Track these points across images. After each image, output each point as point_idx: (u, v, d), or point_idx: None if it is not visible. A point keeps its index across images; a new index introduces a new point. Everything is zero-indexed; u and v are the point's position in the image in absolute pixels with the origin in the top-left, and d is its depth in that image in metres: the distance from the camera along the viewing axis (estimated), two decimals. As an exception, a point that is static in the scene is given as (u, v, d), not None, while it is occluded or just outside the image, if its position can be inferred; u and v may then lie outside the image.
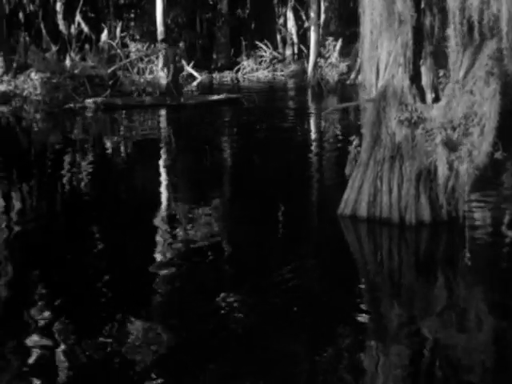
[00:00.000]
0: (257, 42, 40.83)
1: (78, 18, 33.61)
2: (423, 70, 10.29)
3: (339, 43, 32.51)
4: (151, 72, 30.76)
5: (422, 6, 10.00)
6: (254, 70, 37.72)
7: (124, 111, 24.65)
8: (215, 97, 26.75)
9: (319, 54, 31.61)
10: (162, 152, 17.82)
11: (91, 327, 7.20)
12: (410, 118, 9.97)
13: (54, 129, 22.24)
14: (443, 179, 9.89)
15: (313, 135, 20.46)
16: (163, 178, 14.82)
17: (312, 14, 32.24)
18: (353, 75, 31.85)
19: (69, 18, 34.39)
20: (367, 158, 10.42)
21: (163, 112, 24.88)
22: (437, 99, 10.29)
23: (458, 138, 9.76)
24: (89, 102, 24.61)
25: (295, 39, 43.57)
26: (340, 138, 19.49)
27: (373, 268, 9.51)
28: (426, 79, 10.30)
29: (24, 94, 26.17)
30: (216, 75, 36.64)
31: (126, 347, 6.71)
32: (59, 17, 34.07)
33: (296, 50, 43.54)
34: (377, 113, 10.29)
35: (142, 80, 28.28)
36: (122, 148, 18.71)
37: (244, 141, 19.68)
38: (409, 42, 9.99)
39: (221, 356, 6.64)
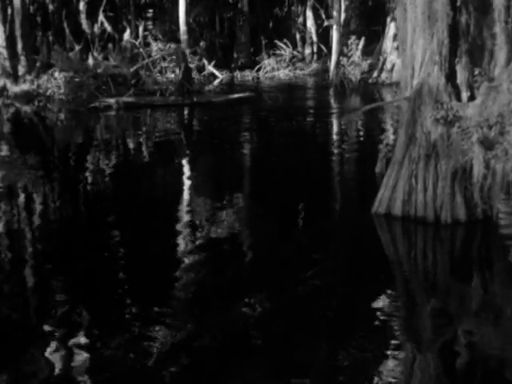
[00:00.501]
0: (276, 41, 40.82)
1: (101, 17, 33.69)
2: (458, 68, 10.25)
3: (362, 42, 32.46)
4: (173, 71, 30.82)
5: (458, 4, 9.95)
6: (275, 69, 37.66)
7: (147, 110, 24.61)
8: (232, 96, 26.60)
9: (341, 53, 31.53)
10: (181, 150, 17.80)
11: (113, 321, 7.28)
12: (445, 116, 9.93)
13: (78, 127, 22.29)
14: (479, 178, 9.84)
15: (338, 134, 20.33)
16: (183, 175, 14.81)
17: (334, 13, 32.17)
18: (375, 74, 31.81)
19: (92, 17, 34.47)
20: (402, 156, 10.40)
21: (185, 111, 24.84)
22: (472, 98, 10.25)
23: (495, 137, 9.69)
24: (110, 101, 24.64)
25: (314, 38, 43.51)
26: (365, 136, 19.45)
27: (407, 266, 9.48)
28: (461, 77, 10.26)
29: (48, 93, 26.28)
30: (237, 74, 36.62)
31: (146, 344, 6.72)
32: (82, 16, 34.13)
33: (315, 49, 43.50)
34: (412, 111, 10.26)
35: (164, 79, 28.28)
36: (142, 145, 18.71)
37: (267, 140, 19.57)
38: (445, 40, 9.95)
39: (242, 353, 6.66)
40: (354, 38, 32.38)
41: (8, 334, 7.04)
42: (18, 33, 28.03)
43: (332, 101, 28.57)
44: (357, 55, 31.76)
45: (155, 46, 32.75)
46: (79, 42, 30.75)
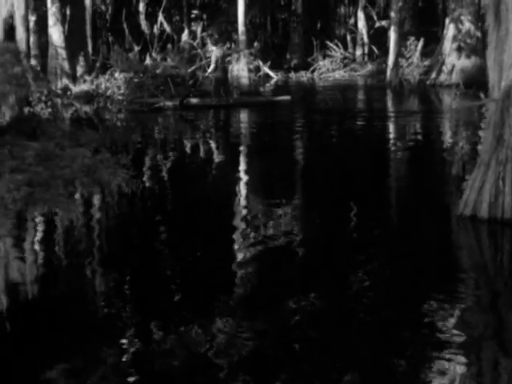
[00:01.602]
0: (327, 42, 40.83)
1: (160, 17, 33.83)
2: (548, 69, 10.12)
3: (421, 43, 32.25)
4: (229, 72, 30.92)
5: (549, 3, 9.84)
6: (329, 70, 37.65)
7: (205, 110, 24.64)
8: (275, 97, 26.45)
9: (399, 54, 31.39)
10: (232, 152, 17.70)
11: (167, 322, 7.20)
12: (535, 118, 9.83)
13: (146, 127, 22.41)
14: None
15: (402, 136, 19.98)
16: (240, 173, 14.76)
17: (392, 14, 32.06)
18: (433, 75, 31.57)
19: (151, 18, 34.61)
20: (489, 158, 10.29)
21: (242, 112, 24.78)
22: (561, 99, 10.12)
23: None
24: (167, 102, 24.79)
25: (365, 39, 43.40)
26: (429, 140, 19.18)
27: (491, 269, 9.29)
28: (550, 79, 10.14)
29: (107, 93, 26.44)
30: (292, 75, 36.64)
31: (205, 345, 6.65)
32: (141, 17, 34.33)
33: (366, 51, 43.39)
34: (500, 113, 10.16)
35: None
36: (201, 146, 18.75)
37: (327, 141, 19.33)
38: (535, 41, 9.85)
39: (298, 355, 6.53)
40: (412, 38, 32.22)
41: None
42: (88, 33, 28.29)
43: (391, 102, 28.37)
44: (416, 56, 31.57)
45: (210, 47, 32.90)
46: (138, 42, 30.91)
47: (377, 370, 6.24)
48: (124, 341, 6.66)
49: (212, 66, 25.36)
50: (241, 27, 28.60)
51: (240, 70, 29.16)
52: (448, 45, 31.33)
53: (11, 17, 20.24)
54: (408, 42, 32.01)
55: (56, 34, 27.70)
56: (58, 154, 8.50)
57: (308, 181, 14.57)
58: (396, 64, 30.87)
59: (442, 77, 31.16)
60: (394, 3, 31.50)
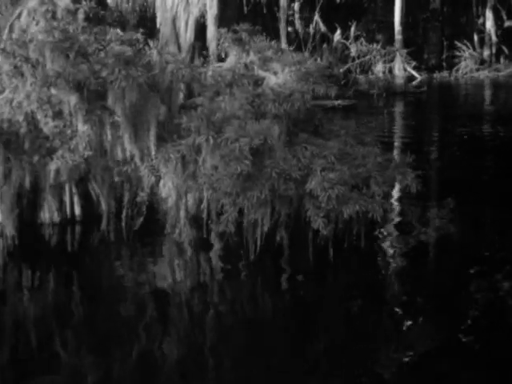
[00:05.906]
0: (456, 42, 40.40)
1: (316, 17, 33.85)
2: None
3: None
4: (372, 73, 30.82)
5: None
6: (473, 71, 37.13)
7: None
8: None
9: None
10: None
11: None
12: None
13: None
14: None
15: None
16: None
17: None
18: None
19: (306, 17, 34.67)
20: None
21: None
22: None
23: None
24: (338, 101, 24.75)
25: (494, 39, 42.80)
26: None
27: None
28: None
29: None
30: (437, 75, 36.24)
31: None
32: (296, 16, 34.43)
33: (494, 51, 42.78)
34: None
35: (378, 80, 28.23)
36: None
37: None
38: None
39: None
40: None
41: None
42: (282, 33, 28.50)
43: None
44: None
45: (353, 47, 32.78)
46: (292, 42, 31.01)
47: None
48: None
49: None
50: (397, 26, 28.35)
51: (397, 69, 28.90)
52: None
53: (202, 16, 20.57)
54: None
55: (211, 33, 27.89)
56: (349, 152, 8.52)
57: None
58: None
59: None
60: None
